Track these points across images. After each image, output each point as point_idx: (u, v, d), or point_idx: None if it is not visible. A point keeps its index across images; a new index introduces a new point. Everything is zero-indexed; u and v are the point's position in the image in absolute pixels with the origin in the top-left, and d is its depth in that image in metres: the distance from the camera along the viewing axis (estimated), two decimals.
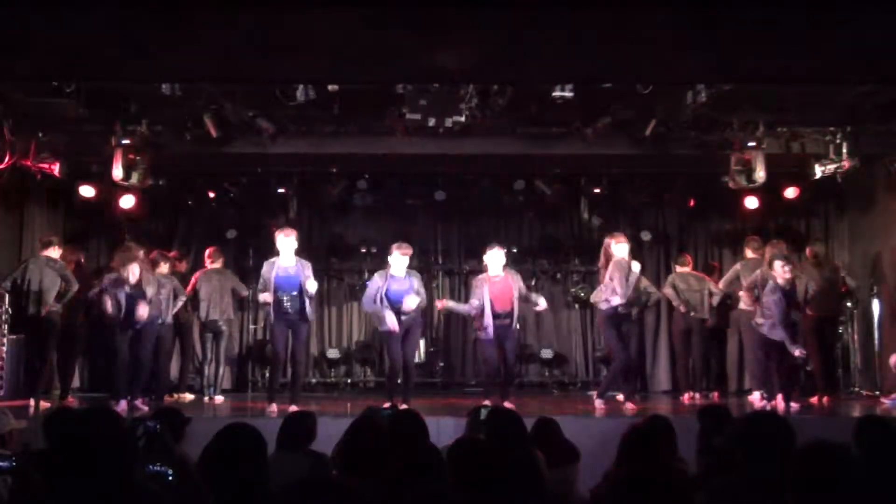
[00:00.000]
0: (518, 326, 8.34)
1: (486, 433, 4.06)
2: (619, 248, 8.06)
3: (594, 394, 8.72)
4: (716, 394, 9.68)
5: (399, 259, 7.97)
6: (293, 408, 7.29)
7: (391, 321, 7.75)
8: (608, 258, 8.13)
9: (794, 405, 7.94)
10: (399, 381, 7.95)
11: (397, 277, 7.97)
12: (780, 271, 7.98)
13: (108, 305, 8.02)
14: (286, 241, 7.80)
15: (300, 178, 10.16)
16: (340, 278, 11.01)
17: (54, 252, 8.59)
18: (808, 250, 9.53)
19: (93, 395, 9.48)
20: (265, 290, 7.70)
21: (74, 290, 8.52)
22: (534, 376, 10.77)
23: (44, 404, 7.98)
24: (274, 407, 7.75)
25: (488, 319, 7.92)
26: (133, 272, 8.04)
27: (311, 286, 7.77)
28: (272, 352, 8.41)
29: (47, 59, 5.89)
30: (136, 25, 5.28)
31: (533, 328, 10.84)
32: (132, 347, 8.17)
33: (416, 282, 8.05)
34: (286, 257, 7.81)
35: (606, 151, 9.02)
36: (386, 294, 7.86)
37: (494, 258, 8.14)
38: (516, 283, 8.13)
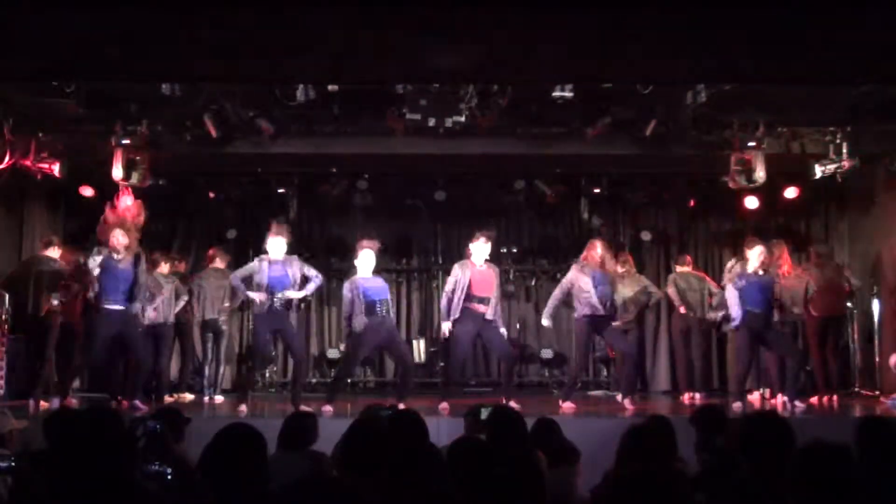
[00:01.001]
0: (499, 321, 8.14)
1: (488, 433, 4.05)
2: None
3: (618, 395, 8.69)
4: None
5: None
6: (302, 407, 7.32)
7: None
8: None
9: (798, 404, 7.92)
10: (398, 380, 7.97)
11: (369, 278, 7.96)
12: (755, 256, 7.99)
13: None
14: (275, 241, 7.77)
15: (300, 178, 10.16)
16: (340, 278, 10.98)
17: (54, 252, 8.58)
18: (811, 251, 9.46)
19: (93, 395, 9.48)
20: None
21: (74, 291, 8.51)
22: (534, 376, 10.76)
23: (44, 404, 7.97)
24: (244, 407, 7.70)
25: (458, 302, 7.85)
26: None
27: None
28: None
29: (47, 59, 5.90)
30: (136, 25, 5.28)
31: (533, 328, 10.84)
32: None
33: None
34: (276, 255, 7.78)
35: (606, 151, 9.02)
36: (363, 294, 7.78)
37: (480, 250, 8.06)
38: (497, 278, 8.12)
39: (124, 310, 7.66)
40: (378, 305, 7.74)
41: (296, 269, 7.76)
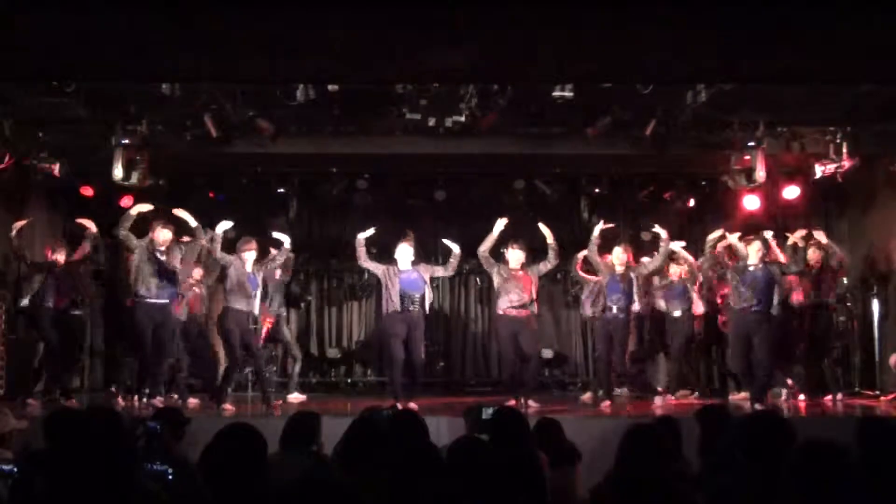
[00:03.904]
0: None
1: (491, 433, 4.05)
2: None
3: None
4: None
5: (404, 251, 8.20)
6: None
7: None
8: None
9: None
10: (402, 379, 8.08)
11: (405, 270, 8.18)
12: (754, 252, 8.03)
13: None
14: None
15: (300, 178, 10.16)
16: (340, 278, 11.00)
17: (60, 256, 8.60)
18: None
19: (92, 396, 9.48)
20: None
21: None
22: None
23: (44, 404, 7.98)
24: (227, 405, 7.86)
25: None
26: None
27: None
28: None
29: (47, 59, 5.89)
30: (135, 25, 5.28)
31: None
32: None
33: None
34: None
35: (606, 151, 9.02)
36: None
37: (514, 257, 8.37)
38: (536, 281, 8.36)
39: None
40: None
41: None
